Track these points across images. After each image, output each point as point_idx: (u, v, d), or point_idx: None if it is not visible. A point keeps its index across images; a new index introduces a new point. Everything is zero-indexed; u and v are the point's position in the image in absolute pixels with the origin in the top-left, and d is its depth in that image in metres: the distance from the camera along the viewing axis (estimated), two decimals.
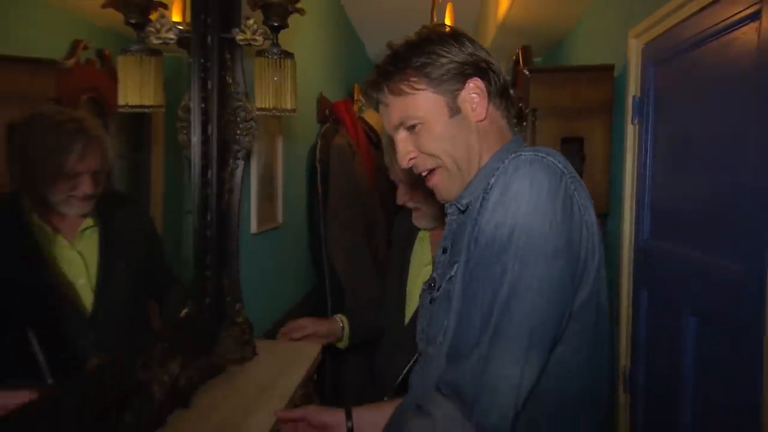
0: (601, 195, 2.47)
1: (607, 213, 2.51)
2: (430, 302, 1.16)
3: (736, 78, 1.62)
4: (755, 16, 1.49)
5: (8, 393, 0.99)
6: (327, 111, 3.32)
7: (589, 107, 2.48)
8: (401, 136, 1.13)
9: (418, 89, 1.09)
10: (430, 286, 1.18)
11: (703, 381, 1.79)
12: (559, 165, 0.98)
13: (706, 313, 1.77)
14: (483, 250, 0.97)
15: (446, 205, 1.18)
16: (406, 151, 1.13)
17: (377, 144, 3.72)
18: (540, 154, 0.98)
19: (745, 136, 1.54)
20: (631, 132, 2.29)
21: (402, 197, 1.77)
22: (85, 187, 1.21)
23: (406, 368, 1.62)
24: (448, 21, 2.57)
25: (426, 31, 1.14)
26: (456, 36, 1.13)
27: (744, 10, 1.54)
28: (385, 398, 1.62)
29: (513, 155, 1.00)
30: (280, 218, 2.60)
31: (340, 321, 1.99)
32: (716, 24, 1.69)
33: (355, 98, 3.92)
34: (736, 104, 1.61)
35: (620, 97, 2.42)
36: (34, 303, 1.18)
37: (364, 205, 3.25)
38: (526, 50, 2.67)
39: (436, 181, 1.14)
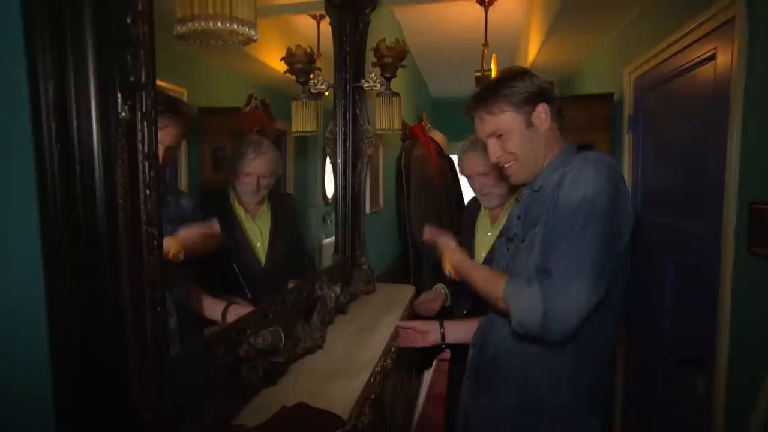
0: None
1: None
2: (507, 250, 1.22)
3: (699, 101, 1.64)
4: (712, 58, 1.55)
5: (242, 299, 1.24)
6: (407, 131, 3.42)
7: (596, 123, 2.48)
8: (492, 141, 1.18)
9: (505, 110, 1.14)
10: (508, 239, 1.24)
11: (678, 310, 1.81)
12: (611, 162, 1.07)
13: (680, 261, 1.80)
14: (565, 213, 1.03)
15: (521, 187, 1.23)
16: (495, 150, 1.18)
17: (442, 154, 3.76)
18: (600, 155, 1.07)
19: (706, 141, 1.58)
20: (627, 140, 2.30)
21: (478, 185, 1.75)
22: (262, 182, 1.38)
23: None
24: (493, 67, 2.70)
25: (506, 70, 1.20)
26: (527, 73, 1.18)
27: (705, 53, 1.59)
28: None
29: (582, 155, 1.07)
30: (381, 204, 2.71)
31: (442, 288, 1.94)
32: (686, 63, 1.73)
33: (424, 122, 3.95)
34: (699, 120, 1.64)
35: (618, 116, 2.42)
36: (236, 251, 1.38)
37: (434, 196, 3.36)
38: (550, 84, 2.71)
39: (511, 170, 1.20)
